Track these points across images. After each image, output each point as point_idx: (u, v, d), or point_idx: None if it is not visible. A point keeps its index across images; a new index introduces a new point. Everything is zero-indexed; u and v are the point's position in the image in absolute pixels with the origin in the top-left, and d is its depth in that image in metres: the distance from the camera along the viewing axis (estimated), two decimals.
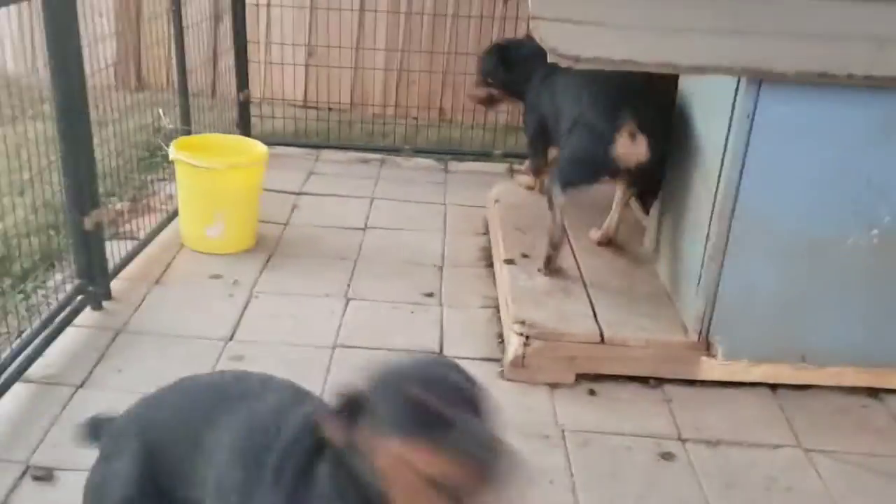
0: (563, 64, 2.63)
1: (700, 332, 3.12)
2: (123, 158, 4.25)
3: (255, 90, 6.27)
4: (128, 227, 4.12)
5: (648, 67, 2.68)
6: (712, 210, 3.01)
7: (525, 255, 3.72)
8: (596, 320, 3.22)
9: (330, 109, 6.27)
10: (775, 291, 3.05)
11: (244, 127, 5.32)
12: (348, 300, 3.65)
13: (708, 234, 3.05)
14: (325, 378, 3.04)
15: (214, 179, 3.82)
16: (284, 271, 3.88)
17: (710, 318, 3.10)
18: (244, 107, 5.29)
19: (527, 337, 3.10)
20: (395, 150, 5.59)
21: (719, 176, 2.96)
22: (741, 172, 2.91)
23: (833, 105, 2.80)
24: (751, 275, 3.04)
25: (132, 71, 6.22)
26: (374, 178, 5.21)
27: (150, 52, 6.09)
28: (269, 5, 6.07)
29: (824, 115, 2.82)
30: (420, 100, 6.12)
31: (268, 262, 3.95)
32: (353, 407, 1.32)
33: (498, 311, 3.60)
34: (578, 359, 3.12)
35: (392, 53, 6.14)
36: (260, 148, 4.05)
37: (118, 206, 4.32)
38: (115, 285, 3.56)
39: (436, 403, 1.24)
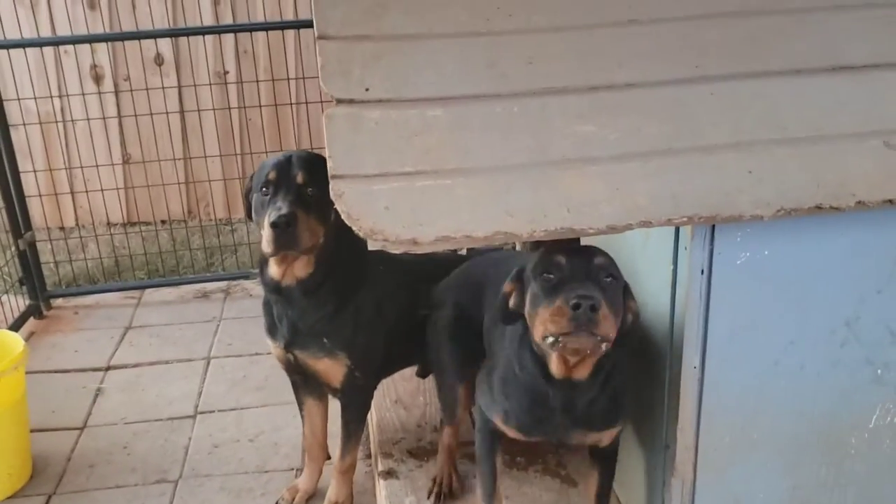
0: (394, 250, 1.54)
1: None
2: None
3: (67, 220, 5.10)
4: None
5: (537, 236, 1.62)
6: (666, 407, 1.99)
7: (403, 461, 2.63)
8: None
9: (162, 223, 5.13)
10: None
11: (33, 283, 4.06)
12: None
13: (665, 440, 2.02)
14: None
15: None
16: None
17: None
18: (26, 256, 4.02)
19: None
20: (242, 276, 4.43)
21: (670, 359, 1.95)
22: (704, 350, 1.89)
23: (828, 240, 1.82)
24: (734, 489, 2.03)
25: None
26: (214, 321, 4.05)
27: None
28: (65, 120, 4.88)
29: (818, 254, 1.84)
30: None
31: None
32: (519, 275, 1.92)
33: None
34: None
35: (228, 158, 5.01)
36: (14, 348, 2.83)
37: None
38: None
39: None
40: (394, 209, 1.54)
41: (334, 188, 1.55)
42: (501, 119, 1.66)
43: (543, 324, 1.74)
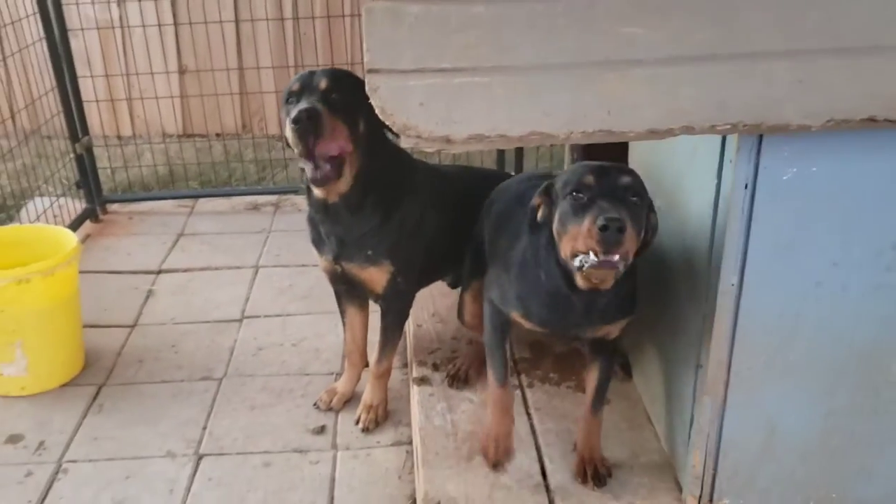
0: (427, 148, 1.53)
1: (700, 495, 2.10)
2: None
3: (125, 129, 5.19)
4: None
5: (574, 138, 1.59)
6: (702, 325, 1.97)
7: (437, 367, 2.67)
8: (547, 489, 2.17)
9: (217, 136, 5.19)
10: (805, 431, 2.03)
11: (89, 187, 4.16)
12: (200, 458, 2.57)
13: (698, 360, 2.01)
14: None
15: None
16: (115, 416, 2.78)
17: (714, 476, 2.08)
18: (83, 160, 4.11)
19: None
20: (292, 190, 4.48)
21: (709, 277, 1.92)
22: (742, 267, 1.86)
23: (878, 158, 1.75)
24: (767, 410, 2.01)
25: None
26: (263, 233, 4.11)
27: None
28: (122, 27, 4.91)
29: (867, 173, 1.77)
30: None
31: (94, 400, 2.86)
32: (548, 190, 1.97)
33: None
34: None
35: (281, 70, 5.00)
36: (67, 244, 2.92)
37: None
38: None
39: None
40: (428, 105, 1.53)
41: (370, 82, 1.54)
42: (545, 18, 1.61)
43: (571, 242, 1.81)
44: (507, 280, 2.18)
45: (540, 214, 2.00)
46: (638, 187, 1.88)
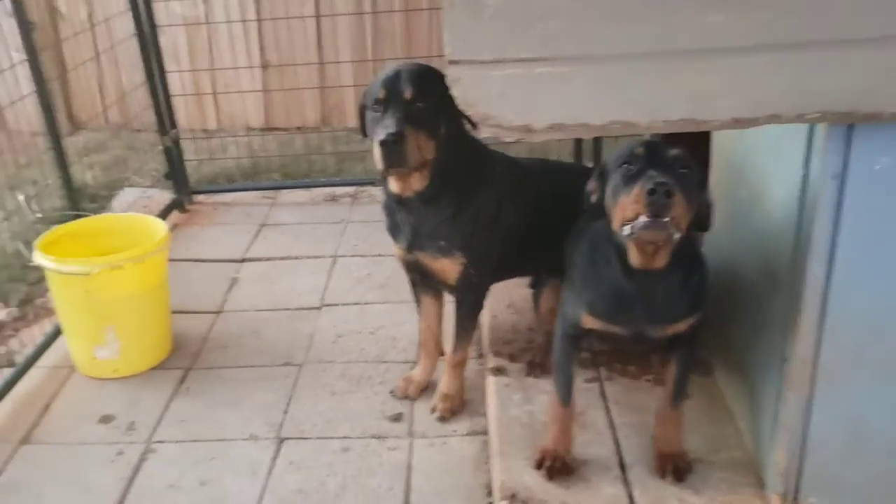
0: (507, 137, 1.53)
1: (786, 494, 2.05)
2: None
3: (210, 122, 5.35)
4: (10, 344, 3.18)
5: (656, 127, 1.57)
6: (787, 319, 1.93)
7: (514, 358, 2.67)
8: (626, 482, 2.16)
9: (298, 129, 5.30)
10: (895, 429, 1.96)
11: (177, 178, 4.30)
12: (281, 442, 2.64)
13: (783, 355, 1.96)
14: None
15: (92, 287, 2.83)
16: (202, 398, 2.88)
17: (800, 474, 2.03)
18: (171, 152, 4.25)
19: None
20: (369, 182, 4.54)
21: (794, 269, 1.87)
22: (830, 260, 1.81)
23: None
24: (855, 407, 1.95)
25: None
26: (341, 223, 4.18)
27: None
28: (207, 23, 5.05)
29: None
30: None
31: (181, 383, 2.96)
32: (600, 172, 2.00)
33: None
34: None
35: (363, 64, 5.07)
36: (158, 232, 3.03)
37: (1, 314, 3.38)
38: None
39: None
40: (509, 95, 1.54)
41: (451, 73, 1.56)
42: (627, 7, 1.60)
43: (622, 211, 1.86)
44: (573, 282, 2.20)
45: (594, 197, 2.04)
46: (687, 159, 1.89)
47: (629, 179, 1.86)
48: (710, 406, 2.44)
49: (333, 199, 4.50)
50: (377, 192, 4.45)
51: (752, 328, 2.22)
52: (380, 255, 3.77)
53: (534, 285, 2.90)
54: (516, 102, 1.52)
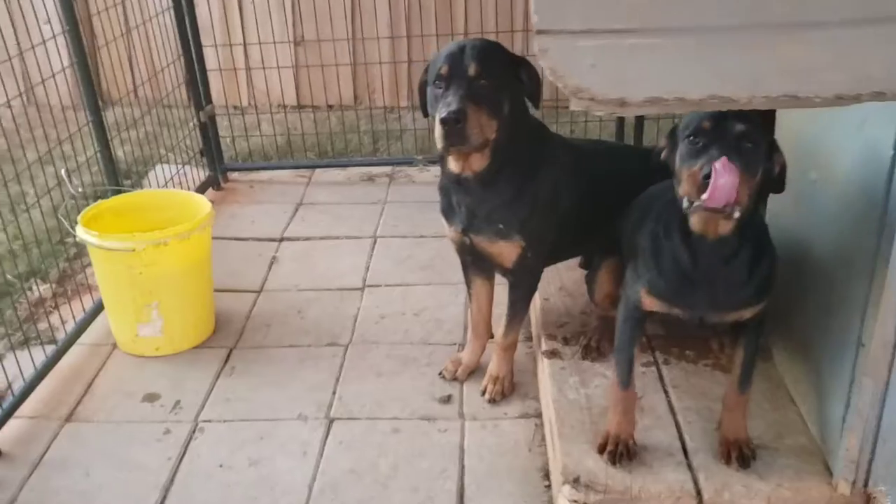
0: (599, 111, 1.48)
1: (855, 481, 2.00)
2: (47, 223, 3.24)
3: (242, 99, 5.29)
4: (51, 320, 3.15)
5: (756, 102, 1.50)
6: (866, 302, 1.87)
7: (567, 341, 2.62)
8: (690, 467, 2.11)
9: (330, 107, 5.24)
10: None
11: (212, 155, 4.26)
12: (331, 422, 2.61)
13: (860, 337, 1.90)
14: None
15: (137, 263, 2.79)
16: (247, 377, 2.85)
17: (871, 461, 1.98)
18: (207, 128, 4.20)
19: None
20: (406, 162, 4.48)
21: (878, 254, 1.81)
22: None
23: None
24: None
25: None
26: (379, 203, 4.13)
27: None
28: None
29: None
30: None
31: (226, 362, 2.93)
32: (673, 133, 1.99)
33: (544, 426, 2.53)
34: None
35: (398, 40, 5.00)
36: (202, 209, 2.99)
37: (39, 290, 3.35)
38: (12, 427, 2.61)
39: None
40: (601, 67, 1.47)
41: (539, 44, 1.49)
42: None
43: (683, 183, 1.85)
44: (636, 261, 2.16)
45: (663, 155, 2.03)
46: (754, 134, 1.84)
47: (694, 154, 1.84)
48: (772, 391, 2.38)
49: (370, 178, 4.46)
50: (414, 172, 4.42)
51: (821, 312, 2.16)
52: (421, 237, 3.72)
53: (586, 266, 2.85)
54: (610, 75, 1.46)
